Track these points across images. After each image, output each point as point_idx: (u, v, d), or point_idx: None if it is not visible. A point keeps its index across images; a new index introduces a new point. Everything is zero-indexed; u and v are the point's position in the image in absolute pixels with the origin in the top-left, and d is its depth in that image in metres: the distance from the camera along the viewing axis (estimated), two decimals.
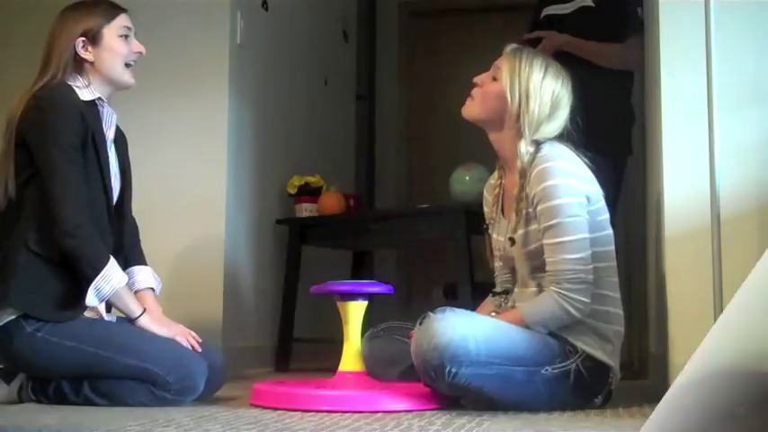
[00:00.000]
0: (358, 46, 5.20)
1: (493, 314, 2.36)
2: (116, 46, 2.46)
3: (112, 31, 2.45)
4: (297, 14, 4.22)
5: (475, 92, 2.40)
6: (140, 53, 2.51)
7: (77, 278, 2.34)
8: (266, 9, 3.84)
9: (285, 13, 4.04)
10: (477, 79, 2.41)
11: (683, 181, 2.47)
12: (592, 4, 3.40)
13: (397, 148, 5.59)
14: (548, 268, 2.25)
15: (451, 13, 5.63)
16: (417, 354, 2.14)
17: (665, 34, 2.53)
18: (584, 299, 2.21)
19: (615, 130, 3.35)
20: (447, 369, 2.09)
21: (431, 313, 2.17)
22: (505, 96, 2.33)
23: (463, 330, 2.12)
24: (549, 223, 2.23)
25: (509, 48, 2.41)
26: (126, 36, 2.48)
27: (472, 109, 2.40)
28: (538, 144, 2.32)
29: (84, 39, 2.43)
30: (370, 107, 5.53)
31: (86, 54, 2.44)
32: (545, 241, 2.25)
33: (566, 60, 3.14)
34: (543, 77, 2.33)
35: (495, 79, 2.37)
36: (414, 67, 5.69)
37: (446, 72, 5.46)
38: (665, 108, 2.52)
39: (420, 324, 2.16)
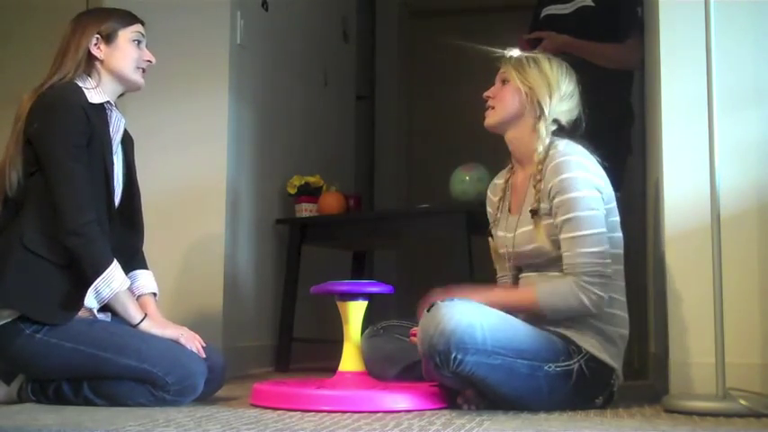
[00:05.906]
0: (358, 46, 5.20)
1: (506, 284, 2.46)
2: (128, 49, 2.49)
3: (126, 35, 2.49)
4: (297, 14, 4.21)
5: (491, 101, 2.43)
6: (150, 62, 2.53)
7: (75, 279, 2.33)
8: (266, 9, 3.84)
9: (285, 13, 4.03)
10: (487, 93, 2.44)
11: (683, 181, 2.47)
12: (592, 3, 3.40)
13: (397, 148, 5.59)
14: (564, 262, 2.24)
15: (451, 13, 5.63)
16: (424, 339, 2.14)
17: (665, 34, 2.53)
18: (600, 293, 2.21)
19: (615, 130, 3.35)
20: (453, 355, 2.09)
21: (439, 301, 2.17)
22: (518, 87, 2.37)
23: (470, 318, 2.12)
24: (566, 216, 2.24)
25: (508, 55, 2.45)
26: (138, 42, 2.51)
27: (494, 115, 2.42)
28: (554, 134, 2.35)
29: (98, 37, 2.46)
30: (371, 107, 5.53)
31: (98, 52, 2.46)
32: (562, 235, 2.25)
33: (565, 61, 3.16)
34: (550, 63, 2.41)
35: (504, 82, 2.42)
36: (414, 67, 5.69)
37: (446, 72, 5.46)
38: (665, 108, 2.52)
39: (428, 311, 2.17)
